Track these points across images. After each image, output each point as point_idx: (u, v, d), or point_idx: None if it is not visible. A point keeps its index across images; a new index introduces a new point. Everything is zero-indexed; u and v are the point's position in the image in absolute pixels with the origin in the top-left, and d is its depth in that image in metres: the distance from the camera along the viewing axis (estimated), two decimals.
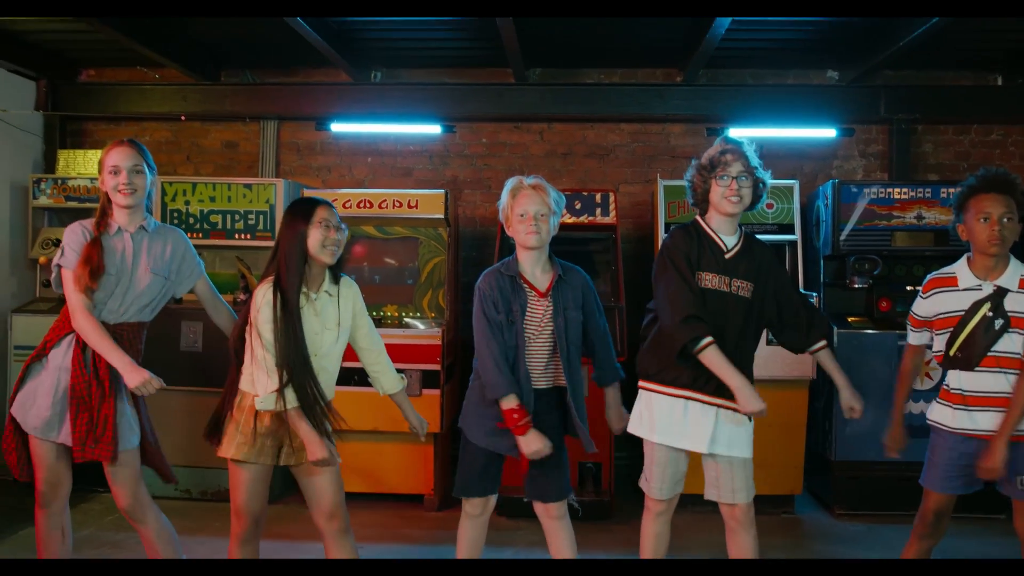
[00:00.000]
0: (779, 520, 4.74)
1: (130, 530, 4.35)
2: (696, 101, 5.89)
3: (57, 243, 5.34)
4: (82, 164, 5.68)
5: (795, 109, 5.83)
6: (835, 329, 4.85)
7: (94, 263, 2.96)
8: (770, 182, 3.12)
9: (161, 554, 3.17)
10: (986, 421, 2.88)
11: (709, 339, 2.85)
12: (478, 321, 3.08)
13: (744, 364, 2.99)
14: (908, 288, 5.06)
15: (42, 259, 5.38)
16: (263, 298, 2.83)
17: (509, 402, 2.96)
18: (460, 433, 3.26)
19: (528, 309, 3.08)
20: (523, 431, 2.95)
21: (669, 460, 3.06)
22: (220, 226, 5.19)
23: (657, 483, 3.09)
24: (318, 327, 2.92)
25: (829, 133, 5.97)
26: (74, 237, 3.01)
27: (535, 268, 3.13)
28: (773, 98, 5.85)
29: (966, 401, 2.92)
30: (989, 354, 2.87)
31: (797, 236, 4.96)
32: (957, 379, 2.97)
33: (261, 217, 5.18)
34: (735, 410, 2.94)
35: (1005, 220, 2.85)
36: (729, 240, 3.05)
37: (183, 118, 6.26)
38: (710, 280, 3.00)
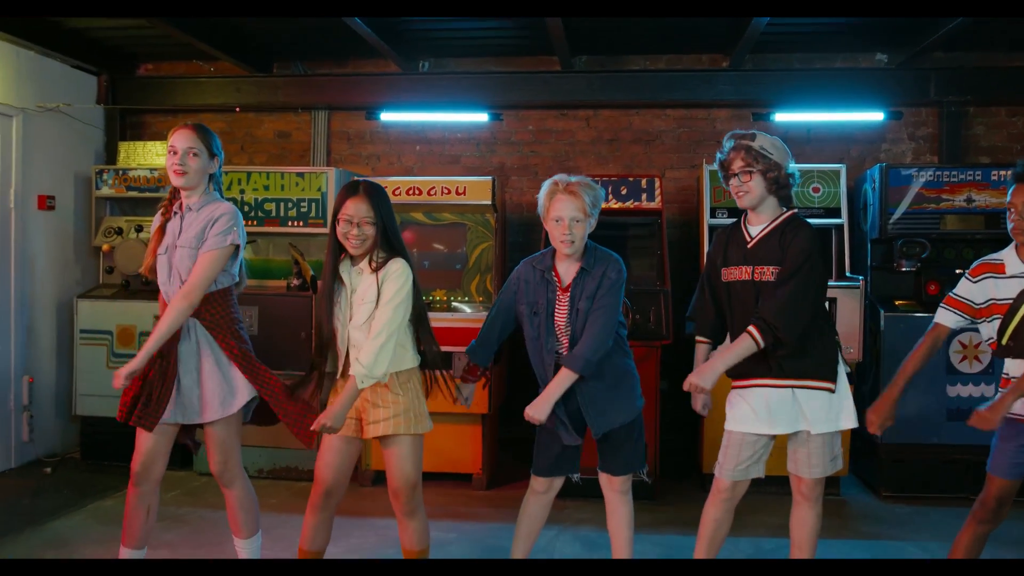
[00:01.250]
0: (825, 502, 4.68)
1: (191, 505, 4.60)
2: (742, 86, 5.89)
3: (119, 232, 5.58)
4: (142, 155, 5.89)
5: (842, 93, 5.79)
6: (882, 312, 4.84)
7: (149, 252, 3.21)
8: (795, 168, 3.10)
9: (240, 521, 3.31)
10: None
11: (698, 338, 3.36)
12: (498, 296, 3.41)
13: (811, 350, 3.03)
14: (957, 271, 4.97)
15: (105, 247, 5.58)
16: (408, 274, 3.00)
17: (471, 363, 3.41)
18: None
19: (556, 303, 3.19)
20: (463, 379, 3.43)
21: (744, 443, 3.11)
22: (274, 214, 5.35)
23: (727, 464, 3.14)
24: (353, 300, 3.03)
25: (877, 116, 5.92)
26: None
27: (569, 261, 3.21)
28: (820, 82, 5.82)
29: None
30: None
31: (844, 220, 4.96)
32: (1015, 367, 2.95)
33: (313, 205, 5.32)
34: (814, 387, 3.02)
35: None
36: (754, 230, 3.12)
37: (237, 110, 6.44)
38: (735, 272, 3.11)
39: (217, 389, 3.16)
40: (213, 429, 3.19)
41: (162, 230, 3.18)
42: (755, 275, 3.04)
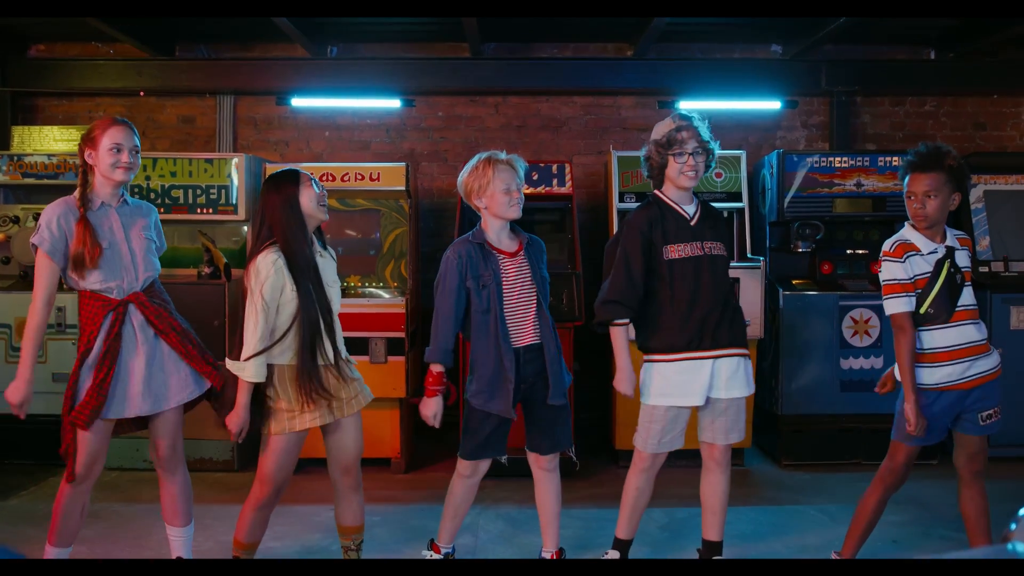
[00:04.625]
0: (731, 472, 5.00)
1: (104, 500, 4.49)
2: (647, 75, 6.07)
3: (16, 220, 5.37)
4: (38, 141, 5.67)
5: (742, 82, 6.06)
6: (780, 291, 5.11)
7: (89, 246, 3.02)
8: (718, 152, 3.35)
9: (179, 510, 3.29)
10: (968, 368, 3.07)
11: (622, 320, 3.29)
12: (439, 287, 3.28)
13: (737, 319, 3.31)
14: (848, 252, 5.35)
15: (0, 236, 5.36)
16: (270, 266, 2.92)
17: (435, 368, 3.28)
18: (465, 401, 3.41)
19: (503, 272, 3.26)
20: (430, 394, 3.28)
21: (667, 418, 3.28)
22: (182, 201, 5.23)
23: (651, 438, 3.32)
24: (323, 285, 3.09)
25: (774, 105, 6.22)
26: (54, 216, 3.03)
27: (501, 235, 3.32)
28: (720, 72, 6.08)
29: (952, 356, 3.07)
30: (957, 308, 3.08)
31: (744, 204, 5.20)
32: (931, 339, 3.11)
33: (223, 191, 5.23)
34: (739, 355, 3.26)
35: (927, 197, 3.07)
36: (689, 208, 3.31)
37: (142, 94, 6.25)
38: (681, 250, 3.25)
39: (184, 369, 3.19)
40: (169, 415, 3.17)
41: (86, 223, 3.05)
42: (706, 249, 3.25)
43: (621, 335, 3.32)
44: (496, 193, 3.24)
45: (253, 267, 2.96)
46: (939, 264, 3.09)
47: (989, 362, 3.12)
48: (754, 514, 4.30)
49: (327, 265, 3.14)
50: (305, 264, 2.98)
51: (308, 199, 3.01)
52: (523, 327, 3.26)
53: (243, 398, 2.96)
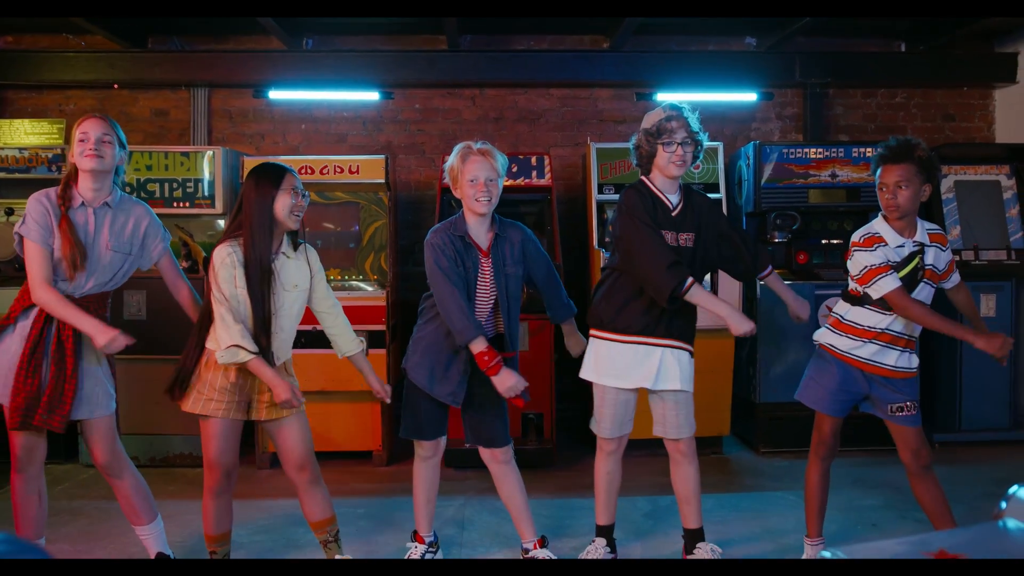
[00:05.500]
0: (709, 459, 5.07)
1: (83, 497, 4.45)
2: (623, 67, 6.10)
3: None
4: (9, 134, 5.55)
5: (718, 74, 6.11)
6: (757, 281, 5.16)
7: (75, 248, 3.02)
8: (706, 144, 3.38)
9: (138, 509, 3.27)
10: (876, 353, 3.18)
11: (691, 279, 3.10)
12: (435, 273, 3.20)
13: (691, 315, 3.36)
14: (823, 242, 5.42)
15: None
16: (225, 258, 2.95)
17: (478, 345, 3.12)
18: (404, 376, 3.41)
19: (478, 267, 3.27)
20: (496, 371, 3.13)
21: (619, 401, 3.34)
22: (158, 194, 5.19)
23: (607, 423, 3.38)
24: (277, 288, 3.04)
25: (750, 97, 6.28)
26: (38, 208, 3.02)
27: (480, 228, 3.32)
28: (697, 64, 6.12)
29: (867, 335, 3.18)
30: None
31: (722, 194, 5.26)
32: (857, 313, 3.21)
33: (200, 185, 5.19)
34: (681, 348, 3.29)
35: (898, 188, 3.12)
36: (673, 198, 3.33)
37: (116, 87, 6.17)
38: (667, 238, 3.28)
39: (108, 380, 3.18)
40: (100, 421, 3.14)
41: (70, 223, 3.04)
42: (679, 241, 3.28)
43: (699, 292, 3.13)
44: (464, 184, 3.23)
45: (212, 257, 3.00)
46: (910, 257, 3.15)
47: (905, 360, 3.19)
48: (734, 500, 4.36)
49: (294, 267, 3.10)
50: (258, 267, 2.96)
51: (282, 206, 2.99)
52: (487, 320, 3.31)
53: (266, 373, 2.95)
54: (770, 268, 3.46)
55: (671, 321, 3.27)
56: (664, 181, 3.32)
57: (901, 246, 3.15)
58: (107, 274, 3.14)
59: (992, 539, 1.49)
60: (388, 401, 3.40)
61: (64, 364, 3.05)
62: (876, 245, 3.15)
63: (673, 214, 3.30)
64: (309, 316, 3.27)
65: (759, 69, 6.14)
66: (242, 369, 3.01)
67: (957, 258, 5.33)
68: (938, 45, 6.17)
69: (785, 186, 5.31)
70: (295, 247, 3.15)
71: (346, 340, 3.30)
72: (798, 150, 5.32)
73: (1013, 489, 1.60)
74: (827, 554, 1.33)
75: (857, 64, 6.21)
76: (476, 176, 3.20)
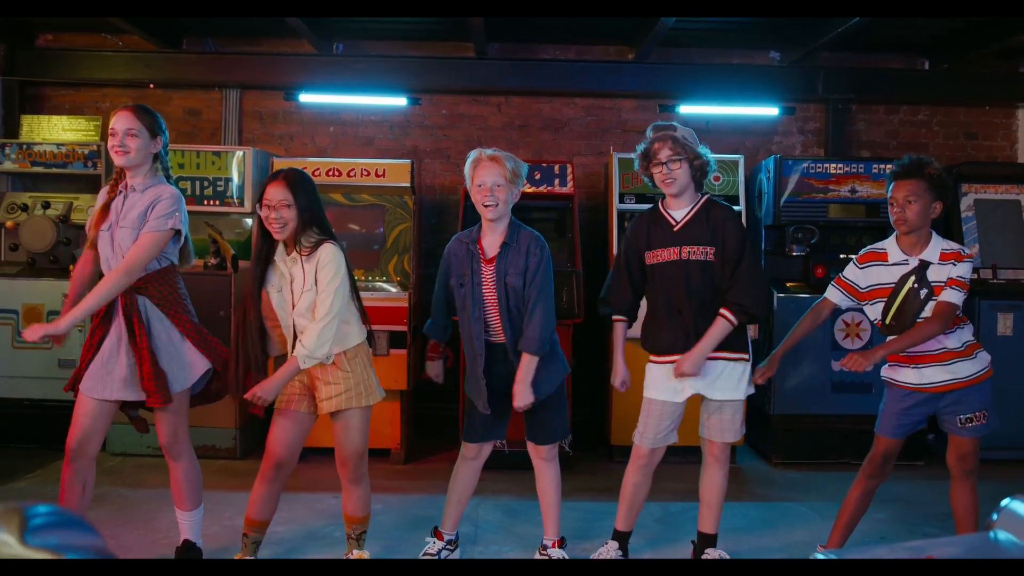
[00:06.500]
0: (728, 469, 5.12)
1: (110, 484, 4.58)
2: (647, 78, 6.18)
3: (24, 208, 5.45)
4: (47, 130, 5.73)
5: (740, 88, 6.18)
6: (775, 293, 5.23)
7: (92, 226, 3.23)
8: (711, 156, 3.41)
9: (185, 494, 3.40)
10: (932, 375, 3.25)
11: (618, 317, 3.53)
12: (439, 276, 3.53)
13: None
14: (841, 256, 5.45)
15: (9, 223, 5.42)
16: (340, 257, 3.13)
17: (431, 340, 3.64)
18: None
19: (482, 274, 3.37)
20: (428, 359, 3.65)
21: (655, 413, 3.41)
22: (189, 192, 5.30)
23: (642, 432, 3.45)
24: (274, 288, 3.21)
25: (772, 111, 6.34)
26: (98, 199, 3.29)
27: (493, 234, 3.41)
28: (720, 77, 6.19)
29: (911, 360, 3.27)
30: (919, 320, 3.21)
31: (741, 207, 5.31)
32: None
33: (229, 184, 5.33)
34: (729, 359, 3.37)
35: (907, 203, 3.20)
36: (677, 215, 3.39)
37: (151, 86, 6.33)
38: (661, 255, 3.38)
39: (168, 366, 3.22)
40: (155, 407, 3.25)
41: (106, 208, 3.22)
42: (683, 254, 3.33)
43: (617, 331, 3.53)
44: (473, 189, 3.36)
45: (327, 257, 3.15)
46: (903, 279, 3.22)
47: (962, 368, 3.24)
48: (745, 509, 4.42)
49: (299, 270, 3.13)
50: (252, 274, 3.19)
51: (262, 214, 3.09)
52: (493, 326, 3.39)
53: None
54: (729, 313, 3.28)
55: (697, 334, 3.31)
56: (670, 199, 3.42)
57: (903, 263, 3.23)
58: (127, 250, 3.18)
59: (981, 550, 1.54)
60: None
61: (94, 342, 3.21)
62: (869, 263, 3.34)
63: (675, 229, 3.37)
64: None
65: (782, 83, 6.20)
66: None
67: (975, 276, 5.35)
68: (962, 63, 6.20)
69: (805, 200, 5.36)
70: (310, 249, 3.13)
71: (299, 346, 3.10)
72: (818, 165, 5.38)
73: (1006, 502, 1.61)
74: (819, 555, 1.40)
75: (880, 80, 6.26)
76: (483, 181, 3.31)
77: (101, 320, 3.20)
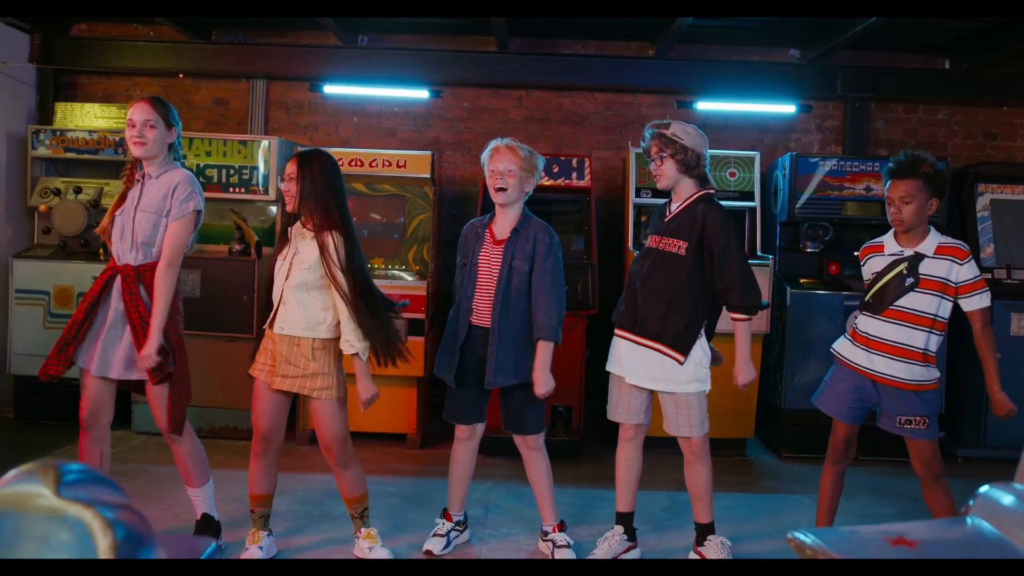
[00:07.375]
0: (732, 461, 5.22)
1: (136, 461, 4.74)
2: (667, 74, 6.25)
3: (57, 192, 5.60)
4: (79, 117, 5.89)
5: (759, 85, 6.23)
6: (788, 289, 5.29)
7: (109, 213, 3.40)
8: (707, 151, 3.48)
9: (192, 472, 3.53)
10: (879, 363, 3.27)
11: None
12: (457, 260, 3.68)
13: (672, 318, 3.39)
14: (855, 254, 5.48)
15: (42, 207, 5.59)
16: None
17: None
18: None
19: (482, 254, 3.53)
20: None
21: (622, 389, 3.56)
22: (215, 180, 5.45)
23: (612, 406, 3.61)
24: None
25: (789, 108, 6.38)
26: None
27: (504, 220, 3.57)
28: (738, 74, 6.24)
29: (868, 344, 3.31)
30: (895, 307, 3.26)
31: (757, 203, 5.38)
32: (865, 324, 3.35)
33: (255, 172, 5.46)
34: (663, 352, 3.41)
35: (903, 203, 3.25)
36: (674, 207, 3.53)
37: (180, 75, 6.48)
38: (650, 241, 3.55)
39: (131, 350, 3.32)
40: (154, 387, 3.36)
41: (123, 196, 3.38)
42: (660, 245, 3.47)
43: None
44: (487, 175, 3.53)
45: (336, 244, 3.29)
46: (894, 263, 3.29)
47: (909, 371, 3.24)
48: (751, 500, 4.51)
49: (307, 245, 3.29)
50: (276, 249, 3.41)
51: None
52: (483, 309, 3.49)
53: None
54: (737, 314, 3.42)
55: (645, 322, 3.42)
56: (671, 193, 3.56)
57: (897, 254, 3.30)
58: (139, 236, 3.30)
59: (953, 533, 1.60)
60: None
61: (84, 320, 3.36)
62: (868, 256, 3.42)
63: (666, 219, 3.52)
64: None
65: (801, 81, 6.25)
66: (269, 334, 3.31)
67: (989, 276, 5.38)
68: (982, 63, 6.21)
69: (820, 197, 5.42)
70: (318, 226, 3.27)
71: (348, 346, 3.32)
72: (834, 162, 5.43)
73: (983, 488, 1.64)
74: (799, 535, 1.48)
75: (899, 79, 6.28)
76: (495, 167, 3.49)
77: (91, 303, 3.33)
